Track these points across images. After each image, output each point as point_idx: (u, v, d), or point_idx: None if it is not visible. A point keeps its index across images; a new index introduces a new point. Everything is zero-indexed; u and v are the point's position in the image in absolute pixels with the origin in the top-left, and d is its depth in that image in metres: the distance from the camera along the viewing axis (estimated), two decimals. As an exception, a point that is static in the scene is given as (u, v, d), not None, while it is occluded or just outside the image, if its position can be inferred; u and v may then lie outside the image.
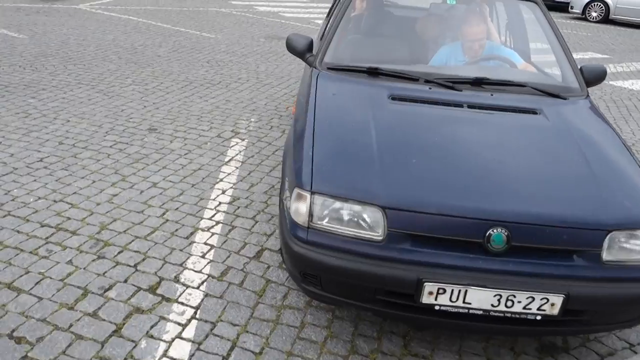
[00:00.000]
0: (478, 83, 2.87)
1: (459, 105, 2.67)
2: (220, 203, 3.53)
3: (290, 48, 3.27)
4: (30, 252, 2.83)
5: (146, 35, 9.03)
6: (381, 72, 2.92)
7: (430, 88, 2.81)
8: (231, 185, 3.80)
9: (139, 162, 4.05)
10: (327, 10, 4.96)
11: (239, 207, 3.49)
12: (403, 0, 5.45)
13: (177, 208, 3.42)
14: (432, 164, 2.23)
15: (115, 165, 3.96)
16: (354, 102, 2.66)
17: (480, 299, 1.93)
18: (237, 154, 4.35)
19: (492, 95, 2.79)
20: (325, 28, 3.90)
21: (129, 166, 3.96)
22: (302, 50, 3.22)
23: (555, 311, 1.94)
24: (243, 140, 4.67)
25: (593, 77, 3.07)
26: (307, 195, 2.09)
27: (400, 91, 2.75)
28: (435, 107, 2.64)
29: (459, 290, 1.92)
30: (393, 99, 2.68)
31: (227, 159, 4.24)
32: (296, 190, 2.15)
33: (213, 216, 3.36)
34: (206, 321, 2.45)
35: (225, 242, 3.09)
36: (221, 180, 3.87)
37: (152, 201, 3.48)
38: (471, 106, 2.66)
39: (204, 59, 7.61)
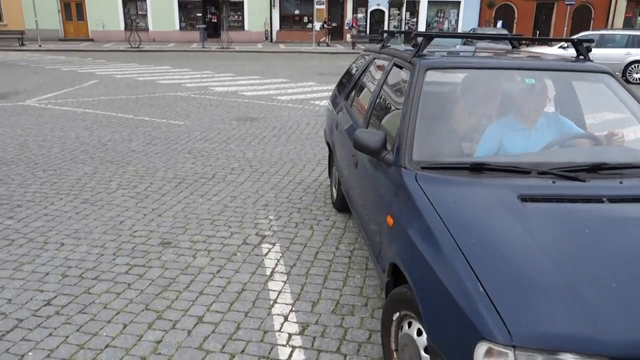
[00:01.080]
0: (595, 169, 2.53)
1: (598, 200, 2.30)
2: (290, 336, 2.92)
3: (361, 146, 2.84)
4: None
5: (110, 128, 8.38)
6: (488, 167, 2.53)
7: (553, 182, 2.43)
8: (290, 307, 3.21)
9: (167, 290, 3.39)
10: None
11: (314, 338, 2.90)
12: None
13: (243, 350, 2.78)
14: (632, 285, 1.80)
15: (142, 298, 3.28)
16: (486, 210, 2.23)
17: None
18: (276, 264, 3.77)
19: (621, 183, 2.45)
20: (373, 108, 3.52)
21: (159, 297, 3.29)
22: (377, 148, 2.79)
23: None
24: (274, 244, 4.11)
25: None
26: (509, 351, 1.60)
27: (527, 190, 2.35)
28: (577, 206, 2.26)
29: None
30: (524, 200, 2.27)
31: (268, 272, 3.65)
32: (484, 345, 1.64)
33: (291, 356, 2.74)
34: None
35: (321, 391, 2.48)
36: (275, 302, 3.27)
37: (208, 344, 2.82)
38: (612, 200, 2.30)
39: (184, 150, 7.05)
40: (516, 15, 33.31)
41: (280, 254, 3.94)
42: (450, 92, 3.38)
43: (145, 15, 31.90)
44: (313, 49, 27.67)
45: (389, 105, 3.52)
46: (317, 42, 29.33)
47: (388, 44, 4.12)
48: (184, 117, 9.39)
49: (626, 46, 15.75)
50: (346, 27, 31.83)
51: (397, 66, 3.53)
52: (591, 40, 3.44)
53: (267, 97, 11.90)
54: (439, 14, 33.79)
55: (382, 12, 32.78)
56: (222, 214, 4.74)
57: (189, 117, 9.46)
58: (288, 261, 3.83)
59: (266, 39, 32.45)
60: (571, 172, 2.48)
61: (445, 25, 34.11)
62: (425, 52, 3.22)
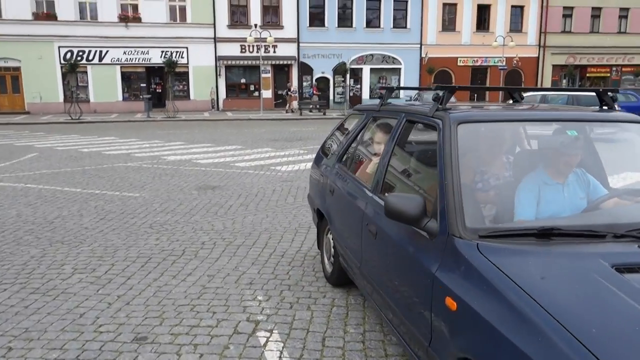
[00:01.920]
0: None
1: (701, 265, 1.94)
2: None
3: (396, 213, 2.39)
4: None
5: (56, 204, 7.57)
6: (559, 232, 2.14)
7: (639, 246, 2.06)
8: (311, 414, 2.61)
9: (153, 402, 2.71)
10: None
11: None
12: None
13: None
14: None
15: (122, 417, 2.59)
16: (584, 286, 1.81)
17: None
18: (280, 358, 3.17)
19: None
20: (386, 170, 3.12)
21: (143, 414, 2.61)
22: (417, 215, 2.35)
23: None
24: (271, 332, 3.51)
25: None
26: None
27: (617, 258, 1.96)
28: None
29: None
30: (620, 270, 1.88)
31: (273, 369, 3.04)
32: None
33: None
34: None
35: None
36: (291, 408, 2.66)
37: None
38: None
39: (144, 225, 6.37)
40: (454, 80, 34.96)
41: (282, 344, 3.34)
42: (485, 148, 3.04)
43: (85, 87, 31.09)
44: (261, 115, 27.66)
45: (409, 166, 3.14)
46: (289, 109, 29.61)
47: (387, 101, 3.79)
48: (138, 189, 8.69)
49: (566, 104, 16.51)
50: (306, 95, 32.27)
51: (411, 122, 3.19)
52: (616, 90, 3.23)
53: (225, 164, 11.39)
54: (381, 80, 34.95)
55: (327, 79, 33.55)
56: (201, 298, 4.10)
57: (144, 188, 8.78)
58: (293, 352, 3.24)
59: (212, 107, 32.26)
60: None
61: (388, 91, 35.21)
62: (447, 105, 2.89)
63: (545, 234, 2.14)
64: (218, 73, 32.14)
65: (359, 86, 34.36)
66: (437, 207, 2.38)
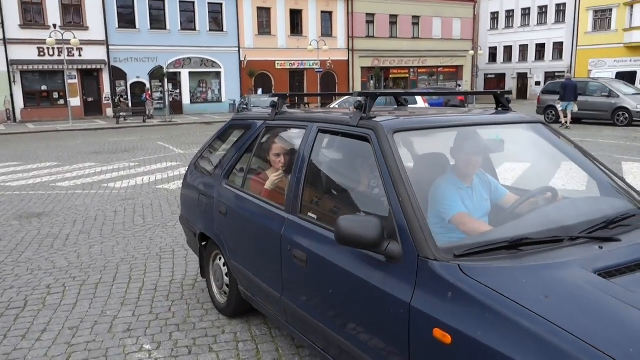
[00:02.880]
0: (609, 225, 2.30)
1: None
2: None
3: (352, 239, 2.10)
4: None
5: None
6: (529, 241, 2.07)
7: (601, 247, 2.09)
8: None
9: None
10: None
11: None
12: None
13: None
14: None
15: None
16: (584, 300, 1.72)
17: None
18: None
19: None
20: (303, 187, 2.80)
21: None
22: (377, 239, 2.09)
23: None
24: (178, 388, 2.94)
25: None
26: None
27: (592, 263, 1.94)
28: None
29: None
30: (602, 276, 1.86)
31: None
32: None
33: None
34: None
35: None
36: None
37: None
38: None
39: (-43, 272, 5.06)
40: (273, 83, 35.62)
41: (196, 401, 2.82)
42: (421, 157, 2.89)
43: None
44: (71, 126, 24.78)
45: (329, 181, 2.86)
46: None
47: (282, 110, 3.46)
48: None
49: (385, 104, 17.82)
50: (141, 99, 29.64)
51: (325, 132, 2.92)
52: (509, 92, 3.36)
53: (43, 186, 9.82)
54: (201, 85, 34.03)
55: (143, 84, 31.51)
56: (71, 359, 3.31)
57: (-58, 224, 7.06)
58: (213, 409, 2.75)
59: (8, 119, 28.03)
60: (602, 232, 2.19)
61: (209, 95, 34.48)
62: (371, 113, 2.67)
63: (514, 245, 2.06)
64: (12, 79, 28.02)
65: (178, 91, 32.97)
66: (394, 227, 2.15)
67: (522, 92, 45.88)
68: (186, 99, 33.22)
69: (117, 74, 30.86)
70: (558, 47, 45.79)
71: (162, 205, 7.92)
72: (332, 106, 17.89)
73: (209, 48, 33.19)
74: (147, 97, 29.80)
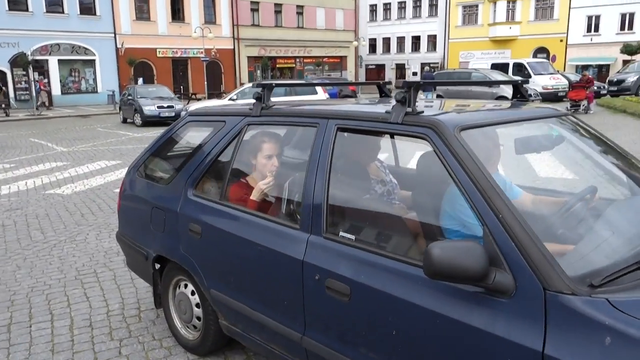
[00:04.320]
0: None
1: None
2: None
3: (451, 273, 1.62)
4: None
5: None
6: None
7: None
8: None
9: None
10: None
11: None
12: None
13: None
14: None
15: None
16: None
17: None
18: None
19: None
20: (326, 199, 2.25)
21: None
22: (483, 270, 1.63)
23: None
24: None
25: None
26: None
27: None
28: None
29: None
30: None
31: None
32: None
33: None
34: None
35: None
36: None
37: None
38: None
39: None
40: (155, 72, 33.43)
41: None
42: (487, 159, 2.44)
43: None
44: None
45: (365, 194, 2.34)
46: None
47: (269, 103, 2.83)
48: None
49: (285, 94, 17.30)
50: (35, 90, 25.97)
51: (348, 131, 2.39)
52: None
53: None
54: (73, 74, 30.89)
55: (4, 73, 27.80)
56: None
57: None
58: None
59: None
60: None
61: (83, 85, 31.44)
62: (418, 107, 2.18)
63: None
64: None
65: (46, 80, 29.58)
66: (496, 252, 1.71)
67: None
68: (56, 89, 29.95)
69: (-30, 62, 26.95)
70: (432, 40, 48.53)
71: (61, 214, 6.75)
72: (227, 99, 16.96)
73: (80, 33, 30.17)
74: (42, 87, 26.50)
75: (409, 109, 2.13)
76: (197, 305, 3.08)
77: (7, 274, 4.65)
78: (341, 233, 2.25)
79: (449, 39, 47.02)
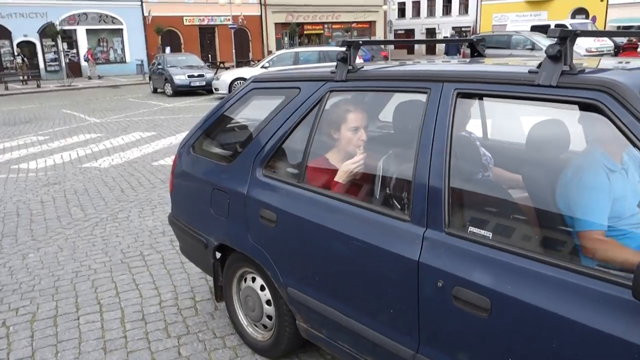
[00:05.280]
0: None
1: None
2: None
3: None
4: None
5: None
6: None
7: None
8: None
9: None
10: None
11: None
12: None
13: None
14: None
15: None
16: None
17: None
18: None
19: None
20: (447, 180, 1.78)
21: None
22: None
23: None
24: None
25: None
26: None
27: None
28: None
29: None
30: None
31: None
32: None
33: None
34: None
35: None
36: None
37: None
38: None
39: None
40: (182, 41, 32.93)
41: None
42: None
43: None
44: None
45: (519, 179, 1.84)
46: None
47: (359, 65, 2.33)
48: None
49: (318, 61, 16.65)
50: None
51: (473, 97, 1.89)
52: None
53: None
54: (101, 43, 30.63)
55: (33, 44, 27.70)
56: None
57: None
58: None
59: None
60: None
61: (112, 55, 31.19)
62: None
63: None
64: None
65: (75, 51, 29.42)
66: None
67: (431, 48, 46.38)
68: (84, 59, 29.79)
69: (1, 33, 26.82)
70: (464, 2, 46.62)
71: (100, 189, 6.43)
72: (260, 67, 16.38)
73: (107, 2, 29.75)
74: (90, 56, 26.52)
75: (566, 67, 1.62)
76: (268, 303, 2.67)
77: (49, 256, 4.34)
78: (470, 228, 1.77)
79: (481, 1, 45.11)
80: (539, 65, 1.68)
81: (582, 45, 23.11)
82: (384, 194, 2.21)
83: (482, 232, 1.74)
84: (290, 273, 2.41)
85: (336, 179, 2.34)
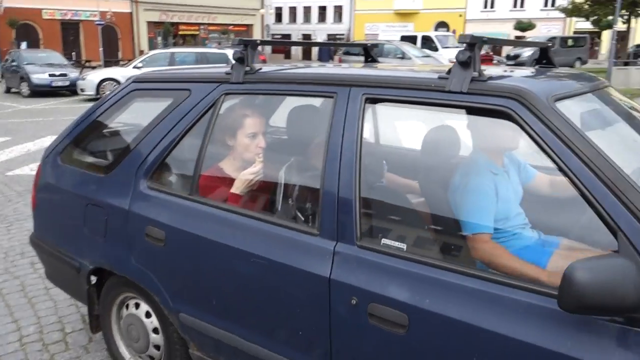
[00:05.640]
0: None
1: None
2: None
3: (601, 304, 1.17)
4: None
5: None
6: None
7: None
8: None
9: None
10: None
11: None
12: None
13: None
14: None
15: None
16: None
17: None
18: None
19: None
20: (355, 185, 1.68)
21: None
22: (634, 302, 1.18)
23: None
24: None
25: None
26: None
27: None
28: None
29: None
30: None
31: None
32: None
33: None
34: None
35: None
36: None
37: None
38: None
39: None
40: (41, 36, 30.04)
41: None
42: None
43: None
44: None
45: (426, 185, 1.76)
46: None
47: (256, 67, 2.13)
48: None
49: (195, 63, 16.03)
50: None
51: (379, 102, 1.80)
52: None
53: None
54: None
55: None
56: None
57: None
58: None
59: None
60: None
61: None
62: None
63: None
64: None
65: None
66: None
67: (307, 53, 47.30)
68: None
69: None
70: (338, 11, 48.30)
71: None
72: (132, 67, 15.35)
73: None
74: None
75: (475, 74, 1.58)
76: (155, 331, 2.36)
77: None
78: (384, 240, 1.68)
79: (354, 10, 47.00)
80: (449, 71, 1.63)
81: (446, 55, 24.96)
82: (287, 205, 2.04)
83: (396, 243, 1.65)
84: (183, 297, 2.15)
85: (233, 190, 2.13)
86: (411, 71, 2.05)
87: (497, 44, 2.50)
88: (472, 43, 1.57)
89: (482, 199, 1.89)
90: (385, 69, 2.15)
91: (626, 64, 18.10)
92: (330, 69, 2.06)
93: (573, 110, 1.53)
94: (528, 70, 2.01)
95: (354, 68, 2.15)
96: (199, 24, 39.09)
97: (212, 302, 2.05)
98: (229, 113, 2.20)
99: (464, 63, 1.59)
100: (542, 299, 1.35)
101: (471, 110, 1.64)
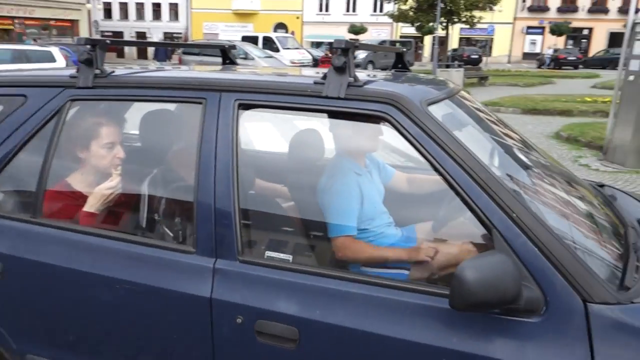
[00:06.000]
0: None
1: None
2: None
3: (487, 300, 1.24)
4: None
5: None
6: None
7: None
8: None
9: None
10: None
11: None
12: None
13: None
14: None
15: None
16: None
17: None
18: None
19: None
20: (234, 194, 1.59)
21: None
22: (519, 290, 1.27)
23: None
24: None
25: None
26: None
27: None
28: None
29: None
30: None
31: None
32: None
33: None
34: None
35: None
36: None
37: None
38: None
39: None
40: None
41: None
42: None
43: None
44: None
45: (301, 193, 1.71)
46: None
47: (109, 70, 1.90)
48: None
49: (13, 61, 14.23)
50: None
51: (251, 108, 1.73)
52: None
53: None
54: None
55: None
56: None
57: None
58: None
59: None
60: None
61: None
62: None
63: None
64: None
65: None
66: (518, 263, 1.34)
67: (142, 52, 44.93)
68: None
69: None
70: (174, 8, 46.62)
71: None
72: None
73: None
74: None
75: (351, 79, 1.59)
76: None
77: None
78: (267, 253, 1.61)
79: (191, 8, 45.76)
80: (324, 77, 1.62)
81: (287, 56, 25.50)
82: (153, 222, 1.87)
83: (281, 255, 1.59)
84: (29, 336, 1.85)
85: (86, 208, 1.88)
86: (284, 76, 2.01)
87: (366, 50, 2.61)
88: (346, 48, 1.57)
89: (347, 201, 1.91)
90: (257, 72, 2.08)
91: (447, 66, 20.25)
92: (197, 73, 1.93)
93: (439, 113, 1.61)
94: (390, 75, 2.09)
95: (224, 72, 2.04)
96: (12, 18, 34.81)
97: (69, 338, 1.80)
98: (78, 122, 1.94)
99: (339, 69, 1.58)
100: (428, 298, 1.40)
101: (348, 116, 1.64)
